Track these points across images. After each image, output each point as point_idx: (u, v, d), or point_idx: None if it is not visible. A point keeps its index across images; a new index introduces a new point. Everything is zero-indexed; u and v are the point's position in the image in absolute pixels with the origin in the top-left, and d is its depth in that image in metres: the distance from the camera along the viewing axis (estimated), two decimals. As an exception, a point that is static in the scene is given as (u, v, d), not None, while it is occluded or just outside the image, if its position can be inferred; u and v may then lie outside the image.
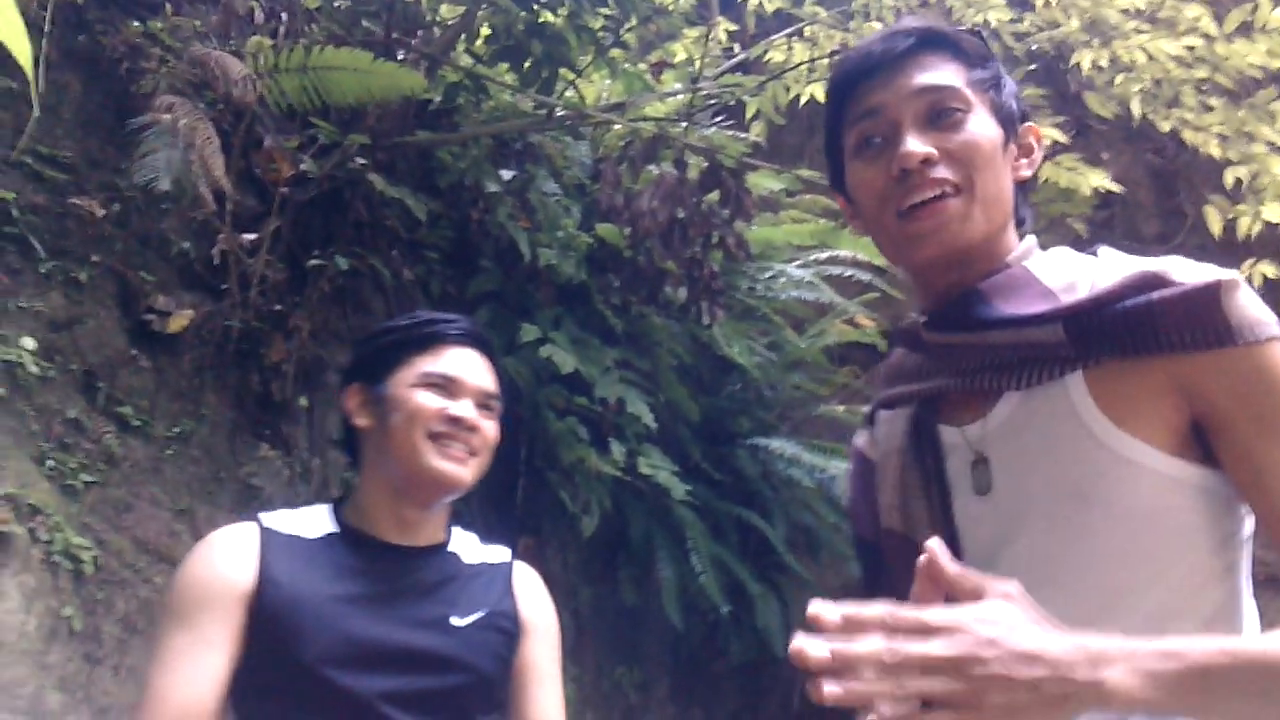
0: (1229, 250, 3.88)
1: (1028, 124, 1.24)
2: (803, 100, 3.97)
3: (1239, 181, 3.82)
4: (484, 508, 3.16)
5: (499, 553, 1.69)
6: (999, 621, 0.85)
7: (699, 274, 3.51)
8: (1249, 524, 1.09)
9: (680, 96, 3.84)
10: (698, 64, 3.83)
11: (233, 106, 2.76)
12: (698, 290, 3.53)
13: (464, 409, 1.58)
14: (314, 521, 1.60)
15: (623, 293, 3.68)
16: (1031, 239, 1.22)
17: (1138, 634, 0.88)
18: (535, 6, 3.27)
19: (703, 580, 3.45)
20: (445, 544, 1.64)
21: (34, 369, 2.41)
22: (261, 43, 2.86)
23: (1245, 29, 3.57)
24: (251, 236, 2.91)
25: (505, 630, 1.60)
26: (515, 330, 3.28)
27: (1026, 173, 1.23)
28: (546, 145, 3.77)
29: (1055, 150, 3.74)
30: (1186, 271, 1.07)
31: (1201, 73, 3.62)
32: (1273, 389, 1.03)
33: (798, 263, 4.19)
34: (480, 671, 1.53)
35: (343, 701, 1.44)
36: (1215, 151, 3.72)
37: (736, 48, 4.25)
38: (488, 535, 1.74)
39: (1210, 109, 3.70)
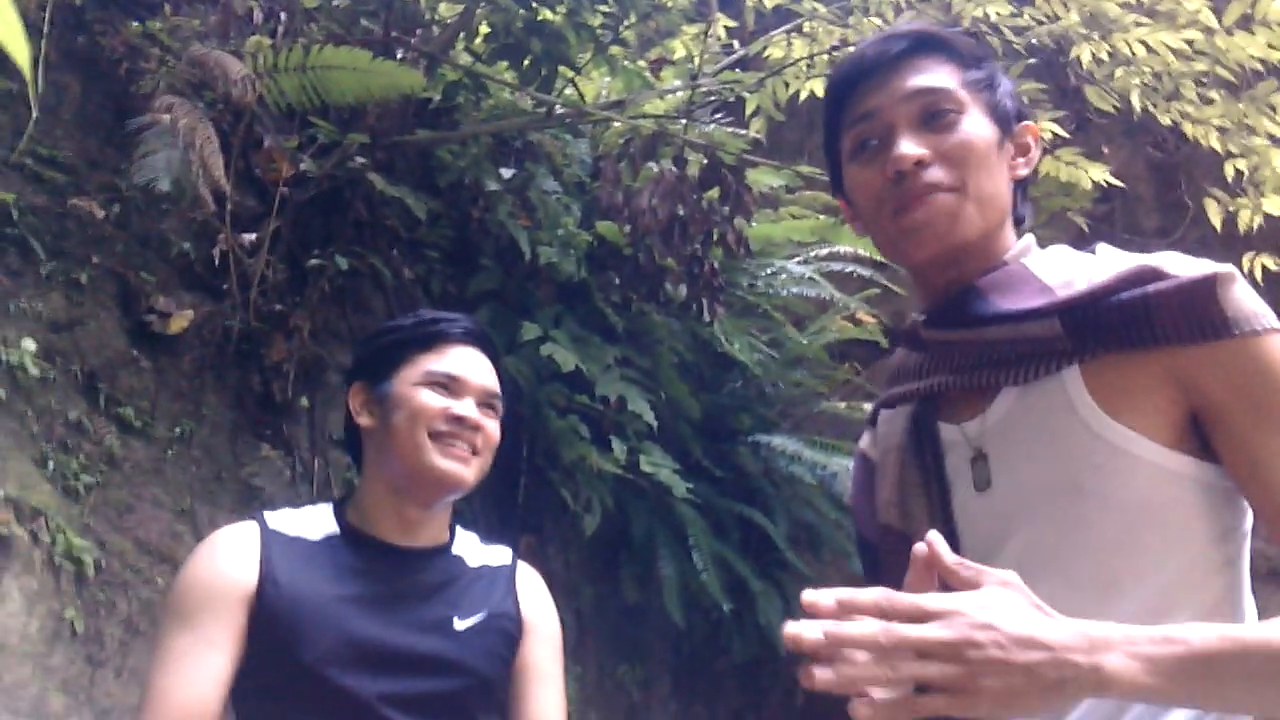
0: (1229, 243, 3.87)
1: (1024, 123, 1.25)
2: (802, 96, 3.96)
3: (1239, 174, 3.81)
4: (485, 507, 3.16)
5: (501, 554, 1.69)
6: (996, 607, 0.85)
7: (699, 271, 3.50)
8: (1249, 518, 1.09)
9: (680, 93, 3.83)
10: (697, 61, 3.82)
11: (232, 106, 2.76)
12: (698, 287, 3.53)
13: (467, 408, 1.58)
14: (316, 521, 1.60)
15: (623, 290, 3.68)
16: (1030, 237, 1.23)
17: (1135, 624, 0.88)
18: (534, 4, 3.27)
19: (704, 578, 3.45)
20: (448, 545, 1.64)
21: (34, 370, 2.42)
22: (261, 42, 2.86)
23: (1245, 21, 3.56)
24: (251, 236, 2.91)
25: (506, 631, 1.60)
26: (516, 329, 3.28)
27: (1023, 171, 1.23)
28: (546, 143, 3.77)
29: (1055, 144, 3.73)
30: (1182, 265, 1.08)
31: (1201, 66, 3.61)
32: (1269, 381, 1.03)
33: (798, 259, 4.19)
34: (481, 674, 1.54)
35: (343, 703, 1.44)
36: (1215, 144, 3.72)
37: (736, 44, 4.24)
38: (489, 534, 1.74)
39: (1210, 102, 3.69)
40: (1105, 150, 4.44)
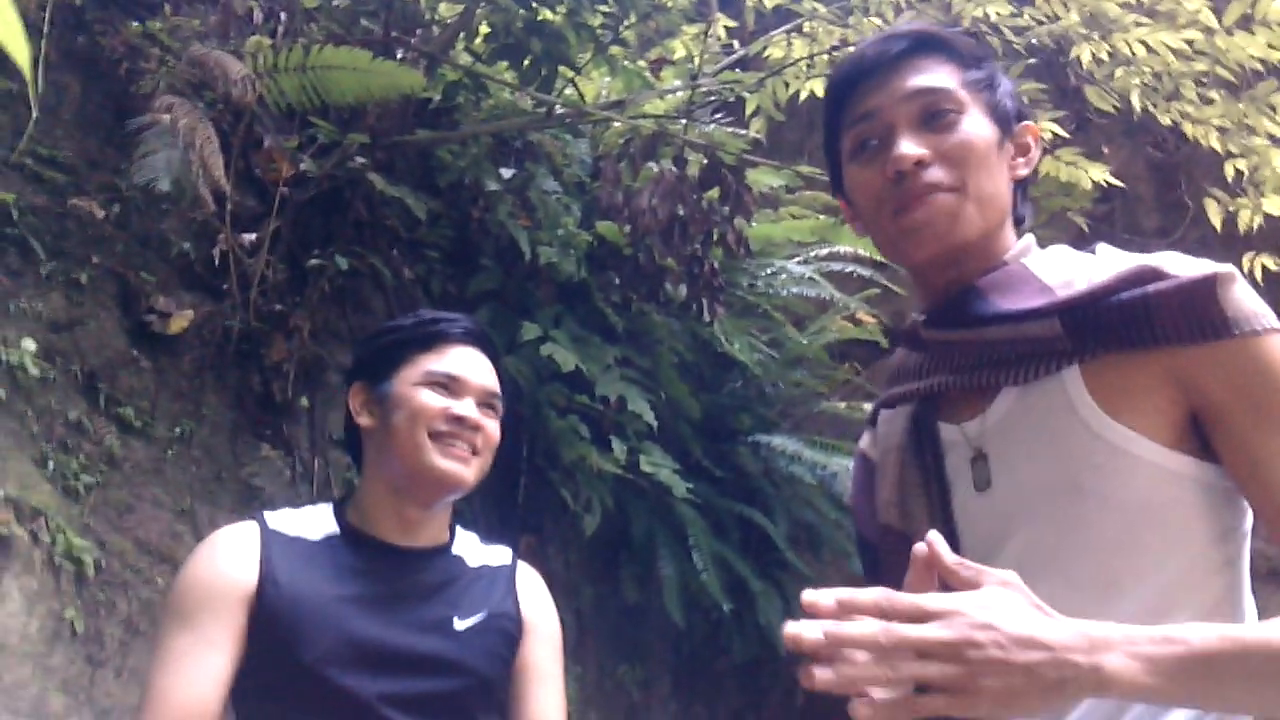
0: (1230, 243, 3.87)
1: (1025, 123, 1.25)
2: (802, 96, 3.96)
3: (1239, 174, 3.81)
4: (485, 507, 3.16)
5: (501, 554, 1.69)
6: (996, 607, 0.85)
7: (699, 271, 3.50)
8: (1249, 518, 1.09)
9: (680, 93, 3.83)
10: (697, 61, 3.82)
11: (232, 106, 2.76)
12: (698, 287, 3.53)
13: (467, 408, 1.58)
14: (316, 521, 1.60)
15: (623, 290, 3.67)
16: (1030, 237, 1.23)
17: (1135, 624, 0.88)
18: (534, 4, 3.27)
19: (704, 578, 3.45)
20: (448, 545, 1.64)
21: (34, 370, 2.42)
22: (261, 42, 2.86)
23: (1245, 21, 3.56)
24: (251, 236, 2.91)
25: (506, 631, 1.60)
26: (516, 329, 3.28)
27: (1024, 171, 1.23)
28: (546, 143, 3.77)
29: (1055, 144, 3.73)
30: (1182, 265, 1.08)
31: (1201, 66, 3.61)
32: (1269, 381, 1.03)
33: (798, 259, 4.19)
34: (481, 674, 1.54)
35: (343, 703, 1.44)
36: (1215, 144, 3.72)
37: (736, 44, 4.24)
38: (489, 534, 1.74)
39: (1210, 102, 3.69)
40: (1105, 150, 4.43)
